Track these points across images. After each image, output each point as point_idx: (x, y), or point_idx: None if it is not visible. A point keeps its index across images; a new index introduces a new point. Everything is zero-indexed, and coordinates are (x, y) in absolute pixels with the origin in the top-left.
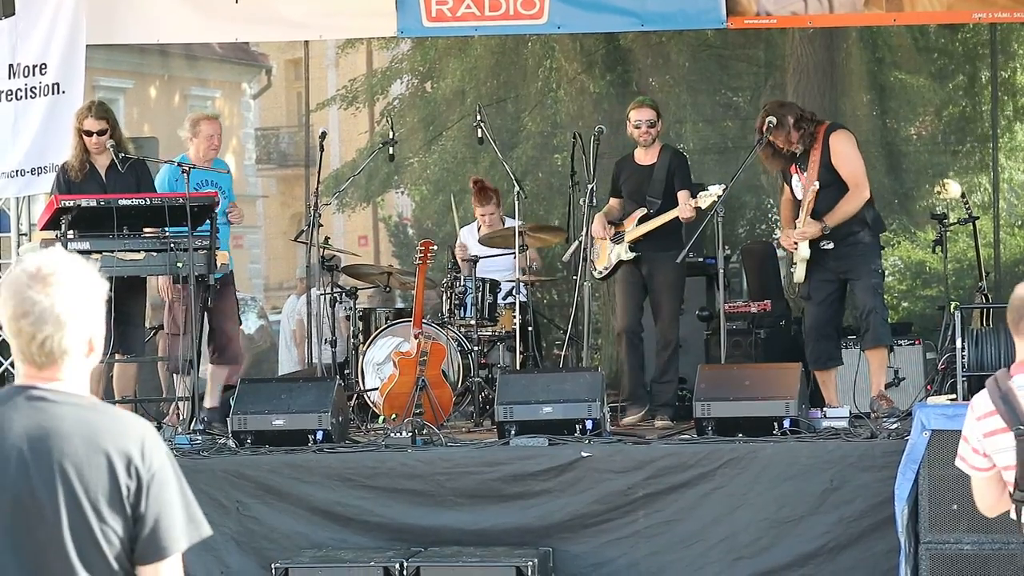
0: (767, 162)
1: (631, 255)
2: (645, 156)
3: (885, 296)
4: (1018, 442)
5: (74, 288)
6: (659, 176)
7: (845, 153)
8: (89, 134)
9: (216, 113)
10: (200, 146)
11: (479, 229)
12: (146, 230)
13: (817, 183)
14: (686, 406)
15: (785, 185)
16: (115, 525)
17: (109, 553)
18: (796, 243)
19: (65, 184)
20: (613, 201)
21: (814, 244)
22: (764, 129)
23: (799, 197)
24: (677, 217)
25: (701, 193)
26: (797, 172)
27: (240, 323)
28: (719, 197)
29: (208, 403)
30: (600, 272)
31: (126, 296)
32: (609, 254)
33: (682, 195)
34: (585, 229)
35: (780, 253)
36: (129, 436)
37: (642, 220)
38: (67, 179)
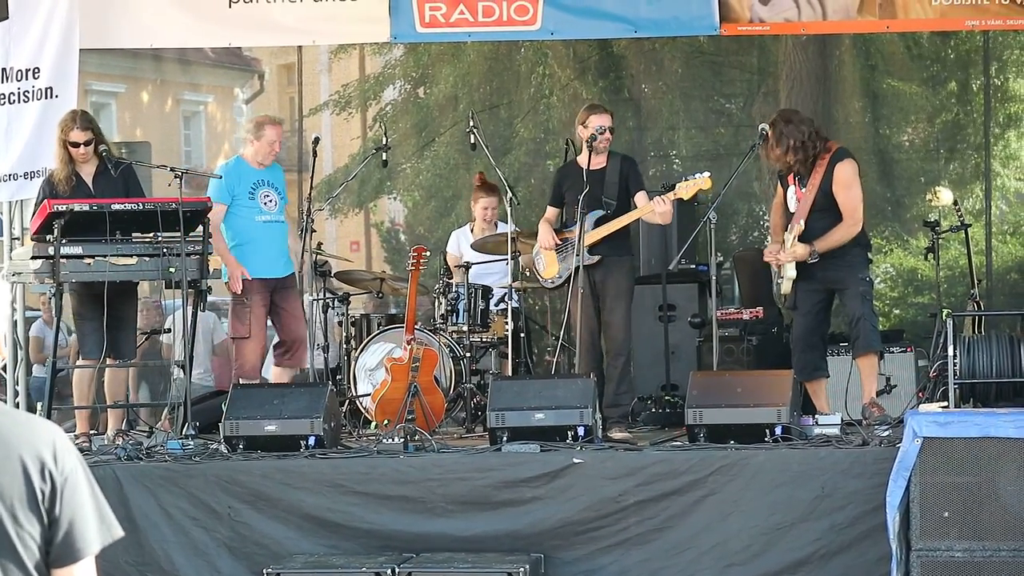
0: (769, 159)
1: (592, 259)
2: (594, 161)
3: (877, 303)
4: None
5: None
6: (612, 179)
7: (846, 184)
8: (76, 145)
9: (281, 119)
10: (261, 150)
11: (472, 230)
12: (137, 234)
13: (802, 223)
14: (678, 412)
15: (779, 188)
16: (31, 530)
17: (26, 558)
18: (781, 263)
19: (52, 195)
20: (551, 210)
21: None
22: (761, 137)
23: (791, 209)
24: (630, 222)
25: (680, 184)
26: (795, 184)
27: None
28: (708, 197)
29: None
30: (551, 282)
31: (118, 300)
32: (560, 262)
33: (640, 196)
34: (579, 235)
35: None
36: (41, 439)
37: (599, 222)
38: (54, 192)
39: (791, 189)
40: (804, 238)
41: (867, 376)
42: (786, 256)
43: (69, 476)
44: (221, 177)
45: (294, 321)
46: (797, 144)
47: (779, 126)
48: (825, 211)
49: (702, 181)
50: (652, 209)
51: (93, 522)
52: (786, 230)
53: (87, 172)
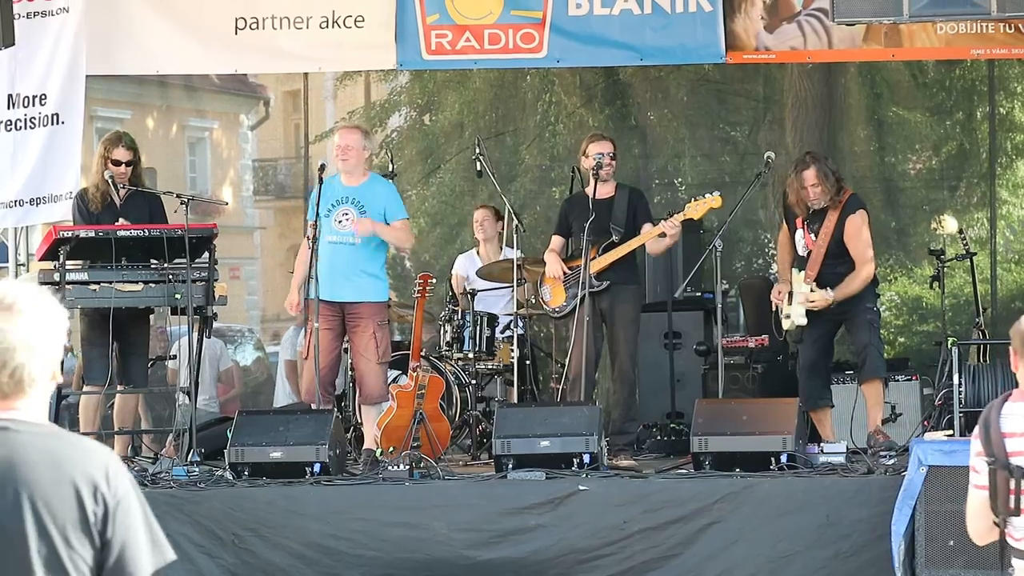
0: (809, 199)
1: (601, 284)
2: (601, 191)
3: (882, 331)
4: (990, 471)
5: (40, 316)
6: (620, 209)
7: (858, 235)
8: (118, 163)
9: (355, 124)
10: (336, 158)
11: (478, 253)
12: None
13: (814, 286)
14: (683, 440)
15: (784, 225)
16: (83, 552)
17: None
18: (789, 310)
19: (85, 212)
20: (557, 240)
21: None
22: (766, 165)
23: (800, 253)
24: (634, 250)
25: (689, 205)
26: (804, 228)
27: (381, 360)
28: (713, 225)
29: (365, 444)
30: (557, 311)
31: (129, 326)
32: (567, 290)
33: (646, 228)
34: (584, 261)
35: None
36: (94, 463)
37: (607, 249)
38: (87, 208)
39: (799, 233)
40: (818, 285)
41: (872, 404)
42: (806, 302)
43: (122, 499)
44: (227, 203)
45: (355, 356)
46: (835, 179)
47: (821, 164)
48: (838, 258)
49: (712, 200)
50: (660, 232)
51: (145, 546)
52: (794, 268)
53: (118, 194)
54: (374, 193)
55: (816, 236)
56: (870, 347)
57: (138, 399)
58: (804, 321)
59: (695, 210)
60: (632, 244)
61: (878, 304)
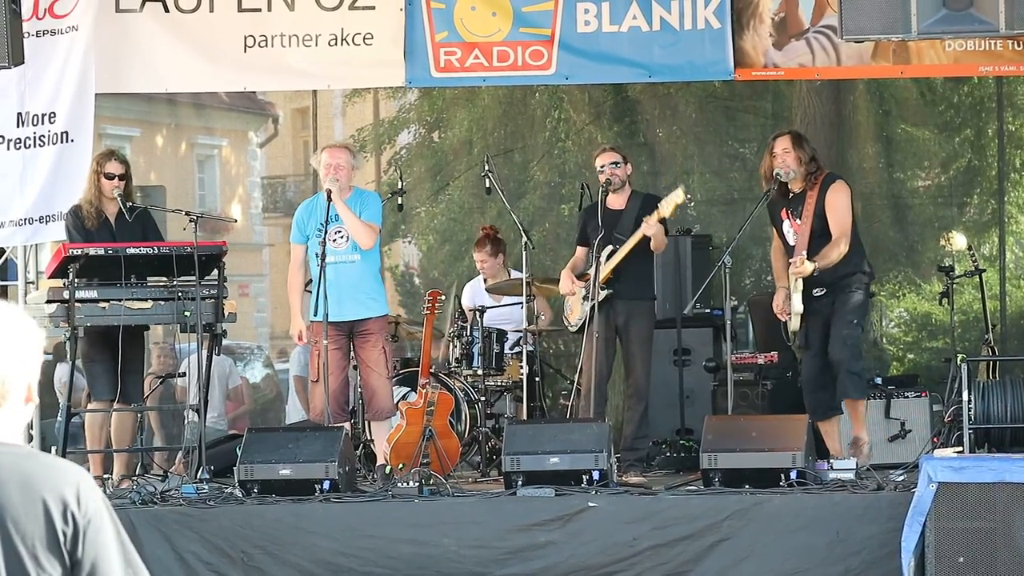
0: (766, 181)
1: (605, 291)
2: (615, 201)
3: (891, 348)
4: None
5: (16, 331)
6: (628, 217)
7: (839, 205)
8: (111, 177)
9: (343, 142)
10: (323, 177)
11: (485, 280)
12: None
13: (804, 253)
14: (693, 457)
15: (775, 234)
16: (52, 572)
17: None
18: (788, 303)
19: (81, 229)
20: (580, 251)
21: (807, 293)
22: (775, 181)
23: (791, 243)
24: (647, 260)
25: (661, 203)
26: (788, 218)
27: (390, 375)
28: (729, 244)
29: (378, 459)
30: (574, 326)
31: (127, 344)
32: (580, 305)
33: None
34: (594, 278)
35: None
36: (65, 482)
37: (609, 257)
38: (83, 225)
39: (786, 224)
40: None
41: (852, 418)
42: (794, 272)
43: (93, 519)
44: (236, 220)
45: (366, 371)
46: (809, 158)
47: (799, 138)
48: (823, 236)
49: (676, 196)
50: (642, 235)
51: (117, 565)
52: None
53: (111, 211)
54: (361, 204)
55: (800, 219)
56: (842, 368)
57: (135, 417)
58: (800, 307)
59: (666, 209)
60: (625, 248)
61: (865, 321)
